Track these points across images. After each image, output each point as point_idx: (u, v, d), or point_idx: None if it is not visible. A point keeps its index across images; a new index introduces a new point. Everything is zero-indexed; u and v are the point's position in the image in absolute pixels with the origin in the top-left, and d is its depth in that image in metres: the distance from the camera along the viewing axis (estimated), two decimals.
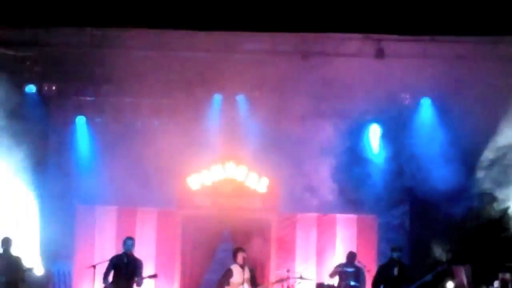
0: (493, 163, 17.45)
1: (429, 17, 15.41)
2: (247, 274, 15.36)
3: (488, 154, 17.21)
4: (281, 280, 16.90)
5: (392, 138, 18.56)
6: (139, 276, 15.21)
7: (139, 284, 15.30)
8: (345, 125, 18.11)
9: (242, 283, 15.28)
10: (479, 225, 17.62)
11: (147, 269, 15.93)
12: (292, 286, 17.01)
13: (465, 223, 17.60)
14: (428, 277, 15.41)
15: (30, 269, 16.34)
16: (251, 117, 18.47)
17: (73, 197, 18.19)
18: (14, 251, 15.85)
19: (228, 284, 15.43)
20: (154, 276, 15.61)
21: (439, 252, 17.46)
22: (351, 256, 17.23)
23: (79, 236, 18.14)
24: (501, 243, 17.33)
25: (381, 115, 18.37)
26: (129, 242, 15.50)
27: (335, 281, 17.20)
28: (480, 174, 17.54)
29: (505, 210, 17.46)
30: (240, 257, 15.44)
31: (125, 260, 15.34)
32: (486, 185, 17.43)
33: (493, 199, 17.46)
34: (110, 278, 15.23)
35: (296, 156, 18.09)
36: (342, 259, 17.43)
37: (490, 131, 17.02)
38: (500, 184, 17.40)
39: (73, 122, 18.84)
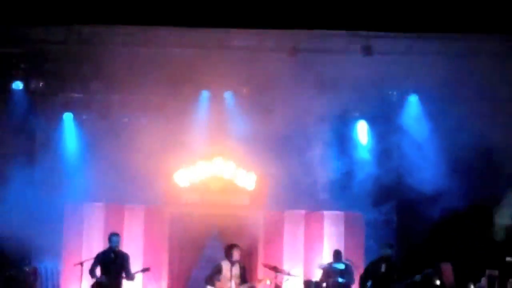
0: (479, 161, 17.52)
1: (416, 14, 15.50)
2: (236, 271, 15.36)
3: (474, 152, 17.24)
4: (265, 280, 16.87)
5: (379, 135, 18.57)
6: (127, 269, 15.29)
7: (131, 279, 15.39)
8: (332, 121, 18.11)
9: (230, 279, 15.28)
10: (465, 223, 17.67)
11: (135, 266, 15.92)
12: (280, 283, 17.00)
13: (451, 221, 17.62)
14: (417, 277, 15.40)
15: (17, 267, 16.30)
16: (238, 114, 18.46)
17: (61, 194, 18.10)
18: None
19: (217, 279, 15.45)
20: (146, 269, 15.72)
21: (426, 249, 17.47)
22: (337, 254, 17.28)
23: (67, 233, 18.05)
24: (486, 241, 17.39)
25: (369, 112, 18.39)
26: (114, 238, 15.63)
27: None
28: (466, 172, 17.60)
29: (490, 208, 17.53)
30: (235, 253, 15.44)
31: (112, 255, 15.45)
32: (472, 184, 17.49)
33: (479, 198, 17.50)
34: (98, 273, 15.31)
35: (284, 153, 18.09)
36: (330, 256, 17.46)
37: (477, 128, 17.05)
38: (486, 183, 17.47)
39: (60, 118, 18.78)
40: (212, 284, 15.48)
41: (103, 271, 15.40)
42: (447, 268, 17.22)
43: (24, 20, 16.06)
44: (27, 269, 16.74)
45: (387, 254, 15.68)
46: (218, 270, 15.54)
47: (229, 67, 17.26)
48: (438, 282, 17.10)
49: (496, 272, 16.06)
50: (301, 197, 18.20)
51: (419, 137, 18.10)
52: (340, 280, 16.73)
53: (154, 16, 15.77)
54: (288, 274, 17.01)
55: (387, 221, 18.57)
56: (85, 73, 18.09)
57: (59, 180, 18.24)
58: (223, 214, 18.28)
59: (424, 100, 18.14)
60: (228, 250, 15.56)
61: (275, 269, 16.72)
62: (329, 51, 17.25)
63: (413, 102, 18.34)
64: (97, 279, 15.33)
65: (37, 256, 17.78)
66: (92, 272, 15.38)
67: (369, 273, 15.71)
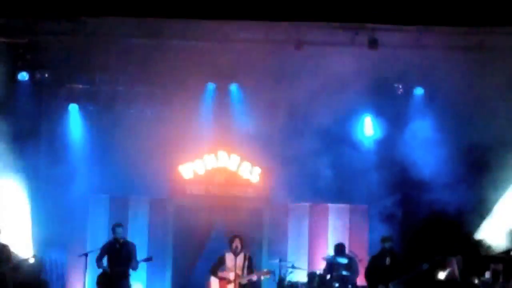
0: (485, 155, 17.49)
1: (422, 7, 15.45)
2: (240, 262, 15.42)
3: (480, 146, 17.23)
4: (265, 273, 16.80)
5: (384, 128, 18.53)
6: (134, 258, 15.35)
7: (134, 268, 15.46)
8: (338, 114, 18.06)
9: (234, 270, 15.33)
10: (470, 218, 17.66)
11: (139, 257, 15.91)
12: (284, 275, 17.03)
13: (456, 215, 17.60)
14: (425, 266, 15.41)
15: (21, 258, 16.29)
16: (244, 106, 18.48)
17: (66, 185, 18.14)
18: (3, 239, 15.81)
19: (220, 270, 15.52)
20: (149, 259, 15.76)
21: (430, 243, 17.45)
22: (340, 247, 17.26)
23: (72, 225, 18.09)
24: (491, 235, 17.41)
25: (374, 105, 18.33)
26: (118, 229, 15.78)
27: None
28: (471, 166, 17.58)
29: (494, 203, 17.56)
30: (234, 244, 15.53)
31: (117, 246, 15.53)
32: (477, 178, 17.48)
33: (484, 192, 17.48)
34: (105, 263, 15.38)
35: (288, 145, 18.07)
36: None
37: (483, 121, 17.05)
38: (492, 177, 17.45)
39: (65, 110, 18.77)
40: (216, 275, 15.56)
41: (109, 261, 15.50)
42: (451, 262, 17.20)
43: (30, 11, 16.05)
44: (32, 260, 16.68)
45: (388, 246, 15.72)
46: (221, 262, 15.64)
47: (234, 60, 17.30)
48: (441, 276, 17.08)
49: (500, 266, 16.05)
50: (305, 189, 18.21)
51: (425, 131, 18.07)
52: (344, 273, 16.72)
53: (160, 8, 15.75)
54: (292, 266, 17.07)
55: (392, 214, 18.52)
56: (91, 64, 18.08)
57: (64, 171, 18.26)
58: (228, 206, 18.32)
59: (430, 94, 18.11)
60: (230, 241, 15.66)
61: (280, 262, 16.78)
62: (335, 44, 17.21)
63: (419, 96, 18.31)
64: (104, 268, 15.41)
65: (42, 246, 17.77)
66: (98, 261, 15.48)
67: (373, 267, 15.73)
